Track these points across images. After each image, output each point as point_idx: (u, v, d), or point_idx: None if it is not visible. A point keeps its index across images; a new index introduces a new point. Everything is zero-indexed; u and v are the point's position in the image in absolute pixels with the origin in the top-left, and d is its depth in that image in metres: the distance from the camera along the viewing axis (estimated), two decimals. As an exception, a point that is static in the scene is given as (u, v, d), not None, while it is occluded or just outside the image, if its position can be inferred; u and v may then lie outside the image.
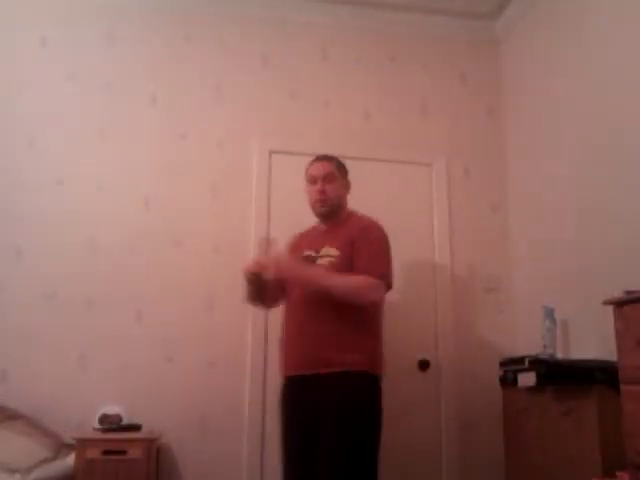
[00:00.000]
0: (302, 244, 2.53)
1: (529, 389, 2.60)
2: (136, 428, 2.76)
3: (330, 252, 2.37)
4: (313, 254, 2.41)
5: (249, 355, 3.08)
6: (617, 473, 1.92)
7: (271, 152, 3.32)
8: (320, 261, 2.37)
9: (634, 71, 2.52)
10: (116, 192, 3.16)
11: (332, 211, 2.50)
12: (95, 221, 3.11)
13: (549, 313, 2.81)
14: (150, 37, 3.36)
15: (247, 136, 3.32)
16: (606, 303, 2.02)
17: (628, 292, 1.95)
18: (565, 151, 2.98)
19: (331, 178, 2.49)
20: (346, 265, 2.33)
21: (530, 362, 2.55)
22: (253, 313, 3.10)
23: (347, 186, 2.58)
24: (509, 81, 3.59)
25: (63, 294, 3.01)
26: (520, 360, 2.65)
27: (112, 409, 2.78)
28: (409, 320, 3.22)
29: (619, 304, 1.96)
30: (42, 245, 3.05)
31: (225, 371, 3.06)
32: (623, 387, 1.93)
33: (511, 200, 3.49)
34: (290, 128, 3.38)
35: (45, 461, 2.52)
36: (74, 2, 3.33)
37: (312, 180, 2.51)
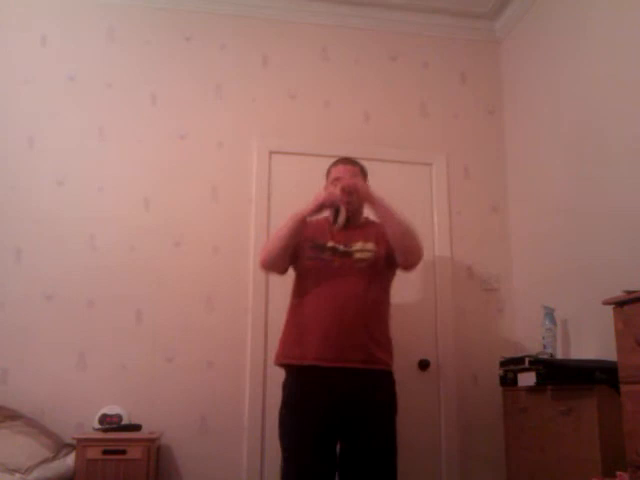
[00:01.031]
0: (307, 234, 2.45)
1: (529, 389, 2.60)
2: (136, 428, 2.76)
3: (367, 247, 2.40)
4: (341, 247, 2.40)
5: (249, 355, 3.08)
6: (617, 473, 1.92)
7: (271, 152, 3.31)
8: (359, 255, 2.38)
9: (634, 71, 2.51)
10: (116, 192, 3.17)
11: (353, 213, 2.50)
12: (95, 221, 3.11)
13: (549, 313, 2.82)
14: (150, 37, 3.36)
15: (247, 136, 3.32)
16: (606, 303, 2.02)
17: (628, 292, 1.94)
18: (565, 151, 2.98)
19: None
20: (385, 260, 2.42)
21: (530, 362, 2.55)
22: (253, 313, 3.11)
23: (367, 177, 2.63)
24: (509, 81, 3.59)
25: (63, 294, 3.01)
26: (520, 360, 2.65)
27: (112, 409, 2.78)
28: (409, 320, 3.22)
29: (619, 304, 1.96)
30: (42, 245, 3.05)
31: (225, 371, 3.06)
32: (623, 387, 1.93)
33: (511, 200, 3.49)
34: (290, 128, 3.38)
35: (45, 461, 2.52)
36: (74, 2, 3.33)
37: (336, 182, 2.51)
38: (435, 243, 3.36)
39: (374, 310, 2.39)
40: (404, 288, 3.24)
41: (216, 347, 3.07)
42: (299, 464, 2.27)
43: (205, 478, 2.95)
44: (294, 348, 2.36)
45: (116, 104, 3.26)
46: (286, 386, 2.40)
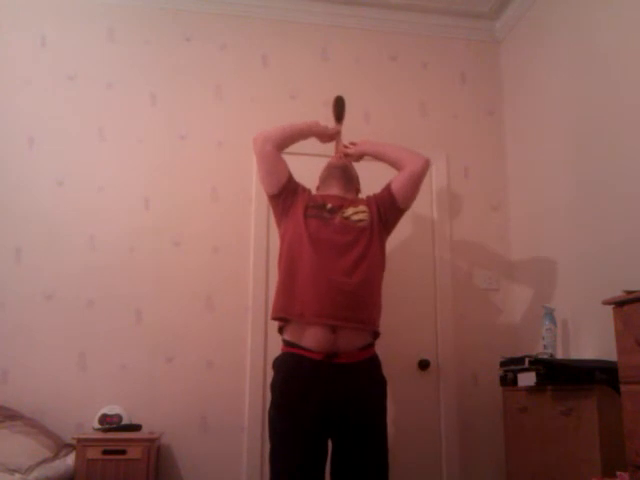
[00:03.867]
0: (305, 197, 2.51)
1: (529, 389, 2.60)
2: (136, 428, 2.76)
3: (359, 209, 2.46)
4: (337, 209, 2.45)
5: (249, 355, 3.08)
6: (617, 473, 1.92)
7: (271, 152, 3.30)
8: (356, 217, 2.43)
9: (635, 70, 2.52)
10: (116, 192, 3.17)
11: (351, 174, 2.63)
12: (95, 221, 3.11)
13: (549, 313, 2.82)
14: (150, 37, 3.37)
15: (247, 136, 3.31)
16: (606, 303, 2.02)
17: (628, 292, 1.94)
18: (565, 151, 2.98)
19: (351, 166, 2.69)
20: (378, 221, 2.47)
21: (530, 362, 2.55)
22: (253, 312, 3.11)
23: (359, 189, 2.71)
24: (509, 81, 3.59)
25: (63, 294, 3.02)
26: (520, 360, 2.65)
27: (112, 409, 2.78)
28: (409, 320, 3.22)
29: (619, 304, 1.96)
30: (42, 245, 3.05)
31: (225, 371, 3.06)
32: (623, 387, 1.93)
33: (511, 200, 3.49)
34: (290, 128, 3.37)
35: (45, 461, 2.51)
36: (74, 2, 3.33)
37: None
38: (435, 243, 3.36)
39: (375, 268, 2.40)
40: (404, 288, 3.25)
41: (216, 347, 3.08)
42: (290, 464, 2.20)
43: (205, 478, 2.95)
44: (294, 304, 2.29)
45: (116, 104, 3.27)
46: (274, 385, 2.32)
